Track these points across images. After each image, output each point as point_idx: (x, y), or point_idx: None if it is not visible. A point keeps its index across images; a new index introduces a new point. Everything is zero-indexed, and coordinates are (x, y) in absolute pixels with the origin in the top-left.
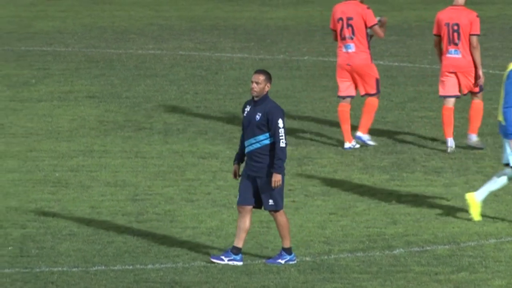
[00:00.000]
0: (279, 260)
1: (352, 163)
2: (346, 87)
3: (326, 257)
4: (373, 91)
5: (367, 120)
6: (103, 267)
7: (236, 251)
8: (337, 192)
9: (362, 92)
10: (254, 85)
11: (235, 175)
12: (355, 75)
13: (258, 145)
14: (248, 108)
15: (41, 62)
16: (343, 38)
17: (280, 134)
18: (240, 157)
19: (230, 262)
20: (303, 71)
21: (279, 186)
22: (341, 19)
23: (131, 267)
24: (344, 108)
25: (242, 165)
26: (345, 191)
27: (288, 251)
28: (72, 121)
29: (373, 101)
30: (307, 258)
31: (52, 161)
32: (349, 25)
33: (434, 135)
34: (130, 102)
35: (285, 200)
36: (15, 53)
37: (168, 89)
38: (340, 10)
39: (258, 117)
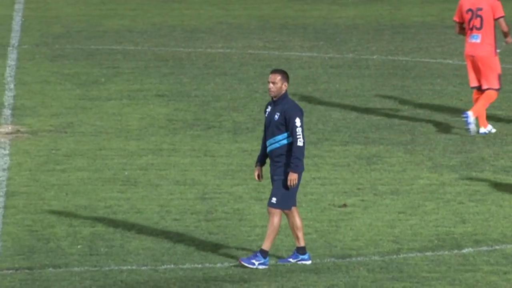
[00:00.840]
0: (253, 261)
1: (421, 162)
2: (473, 78)
3: (395, 256)
4: (495, 86)
5: (479, 107)
6: (172, 266)
7: (302, 251)
8: (406, 191)
9: (484, 86)
10: (271, 85)
11: (258, 177)
12: (478, 66)
13: (277, 145)
14: (269, 109)
15: (110, 61)
16: (471, 29)
17: (298, 133)
18: (261, 159)
19: (299, 262)
20: (372, 70)
21: (294, 186)
22: (470, 10)
23: (200, 265)
24: (478, 96)
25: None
26: (414, 190)
27: (264, 253)
28: (142, 119)
29: (492, 93)
30: (376, 257)
31: (121, 160)
32: (478, 16)
33: (503, 134)
34: (199, 101)
35: (354, 199)
36: (84, 51)
37: (237, 87)
38: (469, 2)
39: (276, 116)
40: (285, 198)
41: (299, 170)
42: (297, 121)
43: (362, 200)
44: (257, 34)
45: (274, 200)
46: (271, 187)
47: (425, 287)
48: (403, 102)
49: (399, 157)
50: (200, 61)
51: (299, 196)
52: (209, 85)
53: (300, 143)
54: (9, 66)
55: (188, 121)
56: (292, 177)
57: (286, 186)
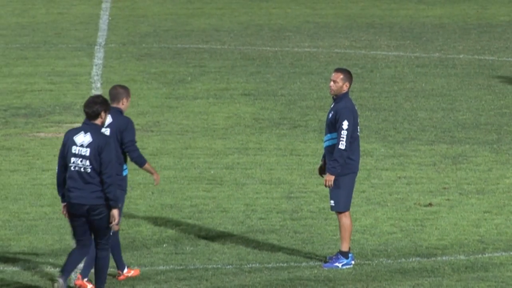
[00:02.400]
0: (336, 264)
1: (507, 162)
2: None
3: (480, 255)
4: None
5: None
6: (257, 265)
7: (345, 255)
8: (492, 191)
9: None
10: (332, 83)
11: (319, 172)
12: None
13: (329, 142)
14: (332, 105)
15: (197, 60)
16: None
17: (342, 136)
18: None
19: (344, 267)
20: (458, 69)
21: (331, 186)
22: None
23: (285, 264)
24: None
25: None
26: (499, 190)
27: (345, 255)
28: (228, 118)
29: None
30: (461, 257)
31: (208, 159)
32: None
33: None
34: (285, 100)
35: (439, 198)
36: (171, 50)
37: (323, 87)
38: None
39: (331, 115)
40: (341, 198)
41: (336, 172)
42: (345, 124)
43: (448, 200)
44: (344, 33)
45: (332, 203)
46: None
47: (510, 286)
48: (489, 101)
49: (485, 157)
50: (287, 60)
51: (384, 195)
52: (295, 84)
53: (342, 146)
54: (96, 65)
55: (274, 120)
56: (328, 178)
57: (340, 187)
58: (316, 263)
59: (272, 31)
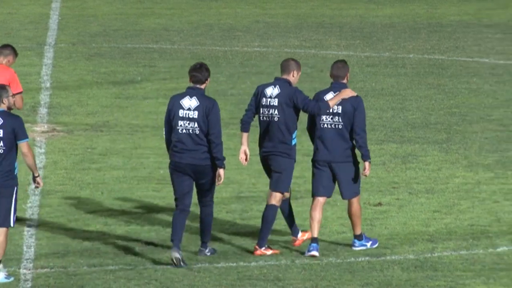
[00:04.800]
0: (365, 244)
1: (456, 161)
2: None
3: (429, 254)
4: None
5: None
6: (206, 264)
7: (359, 237)
8: (441, 190)
9: None
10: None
11: None
12: None
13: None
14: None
15: (147, 60)
16: None
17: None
18: None
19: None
20: (408, 69)
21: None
22: None
23: (234, 264)
24: None
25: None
26: (449, 189)
27: (360, 237)
28: None
29: None
30: (411, 256)
31: (157, 158)
32: None
33: None
34: (235, 100)
35: (389, 197)
36: (121, 50)
37: None
38: None
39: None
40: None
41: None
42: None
43: (397, 199)
44: (294, 32)
45: (348, 191)
46: (305, 187)
47: (460, 285)
48: (439, 100)
49: (434, 156)
50: (237, 59)
51: (334, 195)
52: (245, 84)
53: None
54: (46, 65)
55: (224, 120)
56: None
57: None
58: (266, 263)
59: (222, 30)
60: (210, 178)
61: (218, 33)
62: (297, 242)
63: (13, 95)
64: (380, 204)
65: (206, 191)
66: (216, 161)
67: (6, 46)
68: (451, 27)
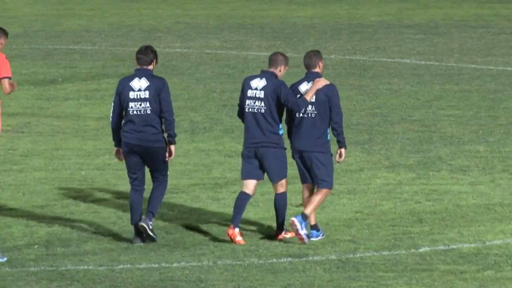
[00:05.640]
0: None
1: (378, 162)
2: None
3: (351, 255)
4: None
5: None
6: (128, 266)
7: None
8: (363, 191)
9: None
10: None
11: None
12: None
13: None
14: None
15: (68, 61)
16: None
17: None
18: None
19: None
20: (330, 70)
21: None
22: None
23: (156, 265)
24: None
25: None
26: (371, 190)
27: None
28: (99, 119)
29: None
30: (333, 257)
31: (79, 160)
32: None
33: (460, 133)
34: None
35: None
36: (42, 51)
37: (194, 87)
38: None
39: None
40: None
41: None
42: None
43: None
44: (215, 33)
45: (324, 180)
46: (227, 188)
47: (382, 286)
48: (360, 101)
49: (356, 157)
50: (158, 60)
51: (256, 196)
52: None
53: None
54: None
55: None
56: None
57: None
58: (188, 264)
59: (143, 31)
60: (158, 159)
61: (139, 34)
62: (280, 236)
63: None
64: (301, 204)
65: (156, 171)
66: (168, 138)
67: None
68: (372, 27)
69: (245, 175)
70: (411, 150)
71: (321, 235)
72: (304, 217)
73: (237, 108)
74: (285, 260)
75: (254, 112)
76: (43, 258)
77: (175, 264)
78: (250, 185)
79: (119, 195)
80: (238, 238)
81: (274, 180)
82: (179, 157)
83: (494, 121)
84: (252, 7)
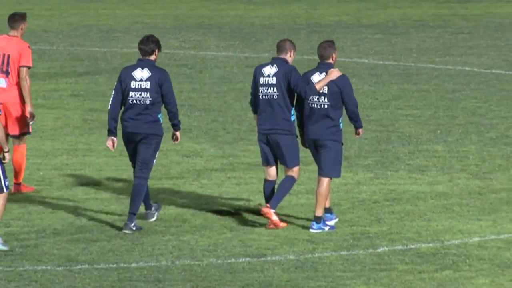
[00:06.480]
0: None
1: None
2: None
3: (310, 255)
4: None
5: None
6: (87, 266)
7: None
8: None
9: None
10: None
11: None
12: None
13: None
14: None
15: None
16: None
17: None
18: None
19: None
20: None
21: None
22: None
23: (115, 265)
24: None
25: None
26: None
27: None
28: (57, 119)
29: None
30: (291, 257)
31: (36, 160)
32: None
33: (418, 133)
34: None
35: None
36: None
37: None
38: None
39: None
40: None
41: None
42: None
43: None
44: (173, 33)
45: (327, 169)
46: (185, 187)
47: (340, 286)
48: None
49: None
50: (116, 60)
51: (213, 194)
52: None
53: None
54: None
55: (104, 121)
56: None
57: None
58: (146, 264)
59: (101, 31)
60: (150, 148)
61: (97, 34)
62: (265, 210)
63: (20, 67)
64: (260, 205)
65: (143, 163)
66: (174, 127)
67: (15, 17)
68: (330, 27)
69: (264, 163)
70: (369, 150)
71: (326, 228)
72: (317, 219)
73: (195, 106)
74: (243, 260)
75: (268, 99)
76: (1, 258)
77: (133, 265)
78: (271, 172)
79: (77, 195)
80: (274, 218)
81: (289, 166)
82: None
83: (452, 120)
84: (211, 7)
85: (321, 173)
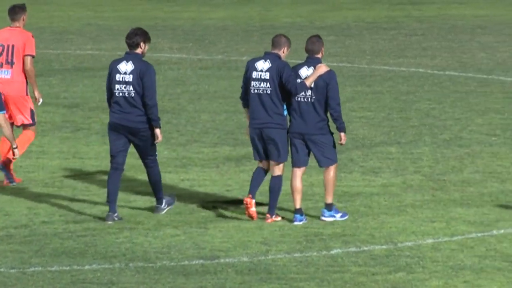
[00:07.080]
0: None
1: (289, 164)
2: None
3: (263, 257)
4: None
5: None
6: (40, 268)
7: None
8: None
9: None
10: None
11: None
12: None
13: None
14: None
15: None
16: None
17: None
18: None
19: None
20: (241, 72)
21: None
22: None
23: (68, 267)
24: None
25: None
26: (283, 192)
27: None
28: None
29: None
30: (245, 259)
31: None
32: None
33: (372, 135)
34: (68, 103)
35: (223, 200)
36: None
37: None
38: None
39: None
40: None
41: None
42: None
43: (231, 202)
44: None
45: (326, 158)
46: (139, 190)
47: None
48: None
49: None
50: (69, 62)
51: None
52: (78, 87)
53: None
54: None
55: (57, 123)
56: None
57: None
58: (99, 266)
59: (54, 33)
60: (145, 140)
61: (50, 36)
62: (269, 220)
63: (25, 55)
64: (214, 207)
65: (144, 153)
66: (152, 122)
67: (15, 9)
68: (284, 29)
69: (256, 157)
70: None
71: (337, 215)
72: (328, 206)
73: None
74: (197, 262)
75: (260, 93)
76: None
77: (86, 267)
78: (265, 164)
79: (31, 197)
80: (252, 209)
81: (281, 160)
82: (91, 159)
83: (406, 122)
84: (164, 9)
85: (322, 164)
